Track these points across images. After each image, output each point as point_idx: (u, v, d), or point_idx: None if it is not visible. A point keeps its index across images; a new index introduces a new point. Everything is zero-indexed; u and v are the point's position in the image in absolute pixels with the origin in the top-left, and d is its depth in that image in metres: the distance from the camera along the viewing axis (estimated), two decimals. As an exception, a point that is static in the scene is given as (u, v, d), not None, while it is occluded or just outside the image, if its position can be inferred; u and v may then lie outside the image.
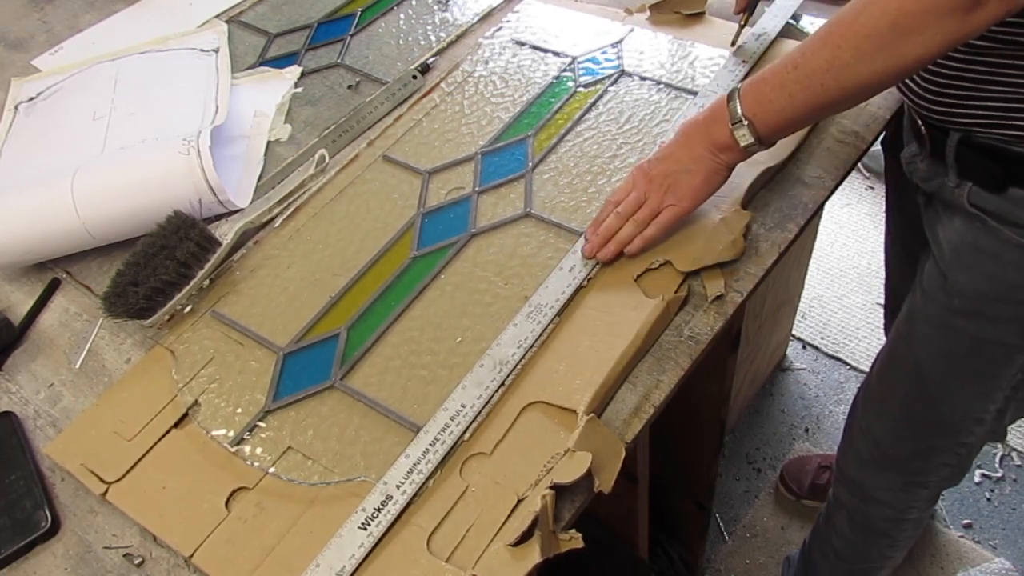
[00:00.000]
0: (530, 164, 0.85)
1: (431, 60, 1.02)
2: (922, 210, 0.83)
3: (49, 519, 0.66)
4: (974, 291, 0.76)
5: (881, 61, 0.59)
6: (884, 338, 0.99)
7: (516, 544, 0.57)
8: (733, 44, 0.91)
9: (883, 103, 0.85)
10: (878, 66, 0.60)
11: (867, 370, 0.99)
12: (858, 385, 1.11)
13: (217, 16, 1.18)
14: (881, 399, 0.94)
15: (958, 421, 0.87)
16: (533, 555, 0.56)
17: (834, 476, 1.08)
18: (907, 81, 0.74)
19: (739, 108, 0.67)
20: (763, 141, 0.68)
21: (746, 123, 0.67)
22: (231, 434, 0.68)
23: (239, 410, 0.70)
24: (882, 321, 1.31)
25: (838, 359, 1.65)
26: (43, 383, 0.77)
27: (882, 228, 1.03)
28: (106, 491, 0.66)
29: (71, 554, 0.66)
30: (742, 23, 0.90)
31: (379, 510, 0.60)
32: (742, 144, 0.68)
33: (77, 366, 0.78)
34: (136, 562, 0.64)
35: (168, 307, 0.77)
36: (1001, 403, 0.83)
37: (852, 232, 1.89)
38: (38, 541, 0.66)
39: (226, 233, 0.82)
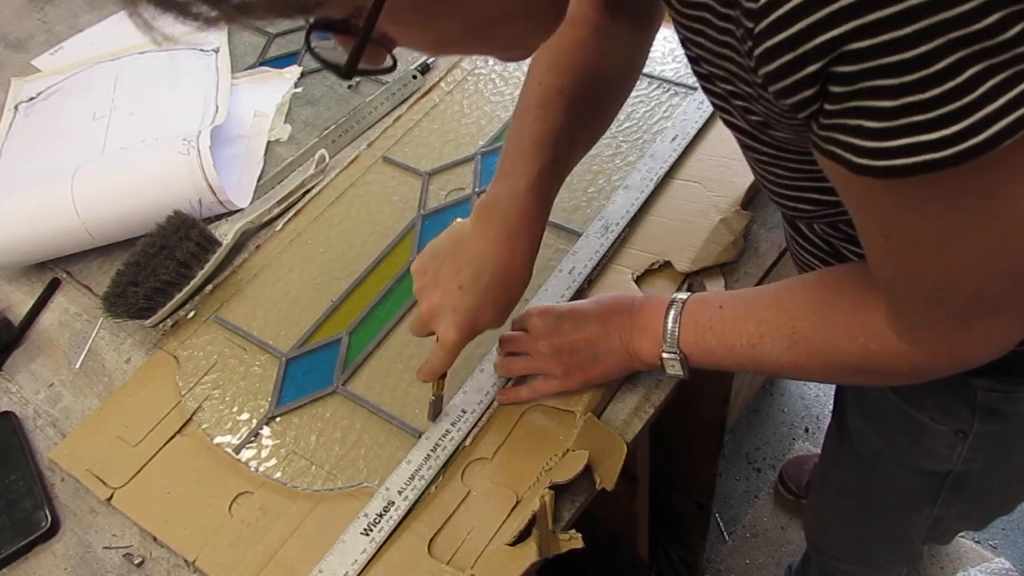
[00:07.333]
0: (531, 165, 0.85)
1: (431, 60, 1.01)
2: None
3: (49, 519, 0.67)
4: (869, 442, 0.75)
5: (847, 380, 0.62)
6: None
7: (514, 543, 0.57)
8: (432, 419, 0.66)
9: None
10: (843, 381, 0.63)
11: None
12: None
13: (217, 15, 1.17)
14: (820, 505, 0.96)
15: (887, 542, 0.88)
16: (530, 554, 0.56)
17: (804, 533, 1.09)
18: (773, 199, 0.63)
19: (677, 333, 0.60)
20: (689, 371, 0.62)
21: (680, 356, 0.60)
22: (235, 439, 0.68)
23: (242, 416, 0.70)
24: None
25: (838, 358, 1.65)
26: (43, 383, 0.77)
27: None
28: (111, 496, 0.67)
29: (71, 554, 0.66)
30: (433, 394, 0.65)
31: (381, 516, 0.60)
32: (668, 371, 0.61)
33: (77, 366, 0.78)
34: (136, 562, 0.64)
35: (168, 307, 0.77)
36: (923, 537, 0.83)
37: (852, 231, 1.88)
38: (38, 541, 0.66)
39: (226, 233, 0.82)
